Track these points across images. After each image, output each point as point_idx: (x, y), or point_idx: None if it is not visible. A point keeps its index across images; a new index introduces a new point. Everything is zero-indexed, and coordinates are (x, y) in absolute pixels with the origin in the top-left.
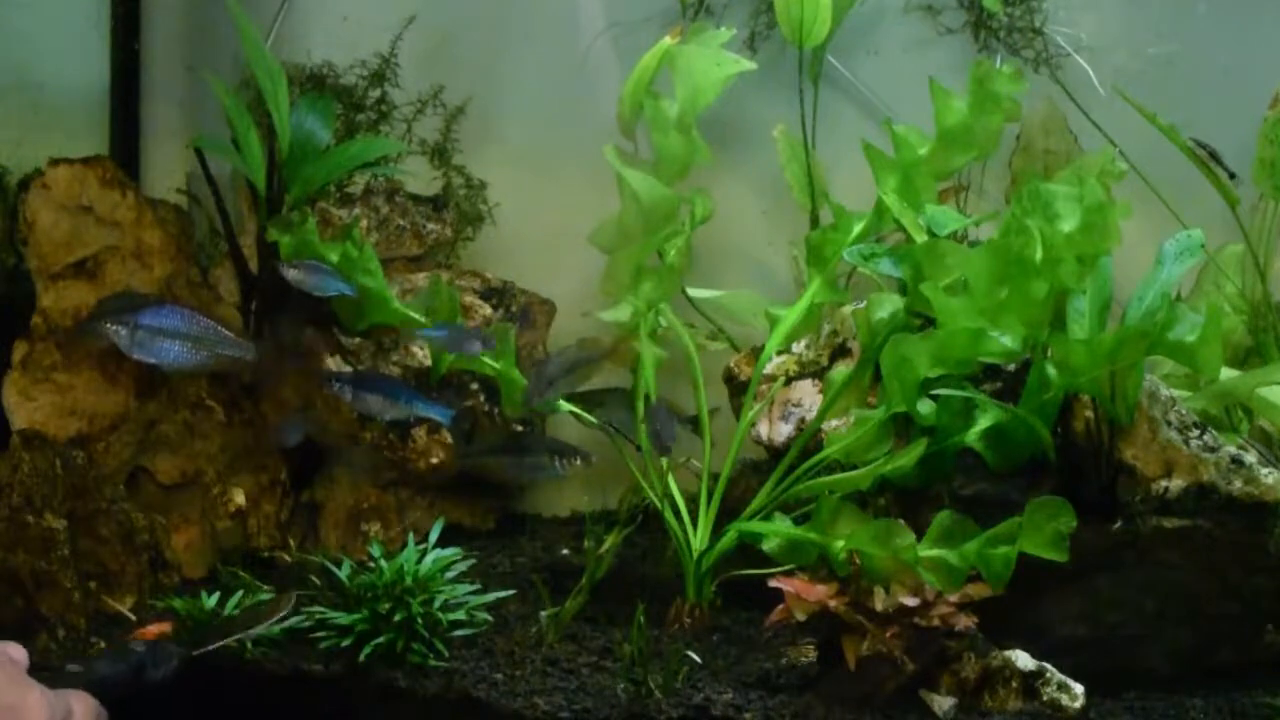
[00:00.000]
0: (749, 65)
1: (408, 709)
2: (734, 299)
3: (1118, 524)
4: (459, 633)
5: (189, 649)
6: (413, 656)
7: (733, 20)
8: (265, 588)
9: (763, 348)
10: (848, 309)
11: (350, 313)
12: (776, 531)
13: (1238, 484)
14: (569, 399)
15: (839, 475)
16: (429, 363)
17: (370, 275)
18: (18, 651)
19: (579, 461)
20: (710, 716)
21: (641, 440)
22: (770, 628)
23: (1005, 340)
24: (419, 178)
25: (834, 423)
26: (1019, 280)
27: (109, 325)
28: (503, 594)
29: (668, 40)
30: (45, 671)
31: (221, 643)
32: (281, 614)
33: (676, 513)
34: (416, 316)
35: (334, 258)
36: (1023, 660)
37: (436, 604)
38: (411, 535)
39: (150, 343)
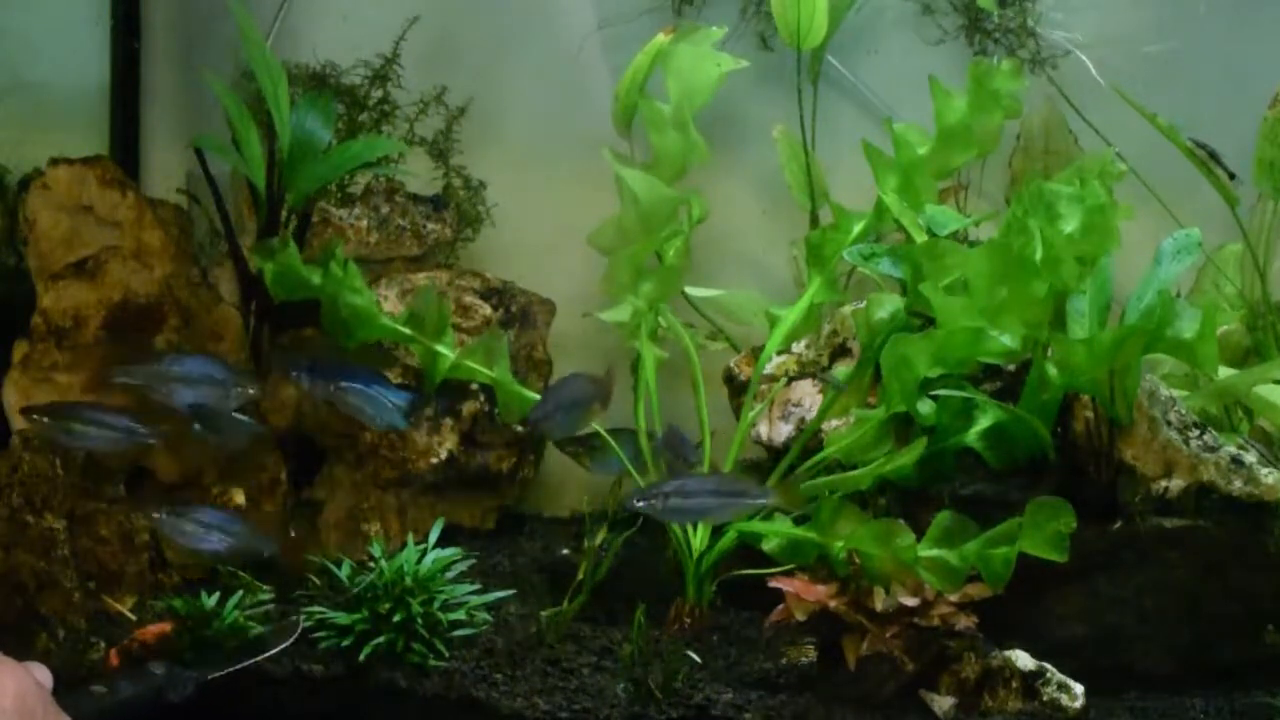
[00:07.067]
0: (743, 63)
1: (408, 709)
2: (734, 299)
3: (1118, 524)
4: (459, 633)
5: (204, 674)
6: (413, 656)
7: (731, 17)
8: (265, 588)
9: (763, 348)
10: (848, 309)
11: (339, 330)
12: (776, 531)
13: (1238, 484)
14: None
15: (839, 475)
16: None
17: (357, 293)
18: (43, 674)
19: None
20: (710, 716)
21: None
22: (770, 628)
23: (1005, 340)
24: (419, 178)
25: (834, 423)
26: (1019, 280)
27: (156, 515)
28: (503, 594)
29: (661, 37)
30: (69, 691)
31: (233, 669)
32: (289, 640)
33: None
34: (405, 330)
35: (316, 280)
36: (1023, 660)
37: (436, 604)
38: (411, 535)
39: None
